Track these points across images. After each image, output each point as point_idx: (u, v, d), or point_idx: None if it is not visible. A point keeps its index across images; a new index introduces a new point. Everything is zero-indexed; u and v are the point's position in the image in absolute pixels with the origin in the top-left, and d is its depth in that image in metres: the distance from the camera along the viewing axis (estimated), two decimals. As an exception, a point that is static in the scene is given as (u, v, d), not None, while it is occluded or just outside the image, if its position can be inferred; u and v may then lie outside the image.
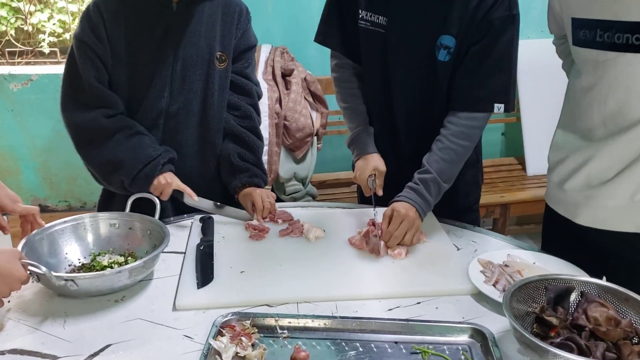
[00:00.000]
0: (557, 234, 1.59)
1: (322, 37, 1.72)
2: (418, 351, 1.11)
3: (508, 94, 1.52)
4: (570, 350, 1.00)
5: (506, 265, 1.35)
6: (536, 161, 2.96)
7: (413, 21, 1.52)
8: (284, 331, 1.15)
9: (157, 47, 1.56)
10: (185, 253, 1.45)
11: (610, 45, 1.31)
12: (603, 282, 1.16)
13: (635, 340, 1.05)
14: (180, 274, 1.35)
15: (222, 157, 1.71)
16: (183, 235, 1.54)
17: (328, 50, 2.90)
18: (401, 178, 1.55)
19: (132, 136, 1.56)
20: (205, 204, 1.61)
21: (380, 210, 1.53)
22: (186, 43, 1.58)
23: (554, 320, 1.09)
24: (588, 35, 1.35)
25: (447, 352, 1.10)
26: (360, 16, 1.59)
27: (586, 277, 1.19)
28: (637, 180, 1.37)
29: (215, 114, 1.67)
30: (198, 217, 1.60)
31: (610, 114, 1.36)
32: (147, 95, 1.58)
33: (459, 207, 1.72)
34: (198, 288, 1.29)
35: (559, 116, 1.55)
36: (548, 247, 1.61)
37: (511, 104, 1.53)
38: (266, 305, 1.24)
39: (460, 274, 1.34)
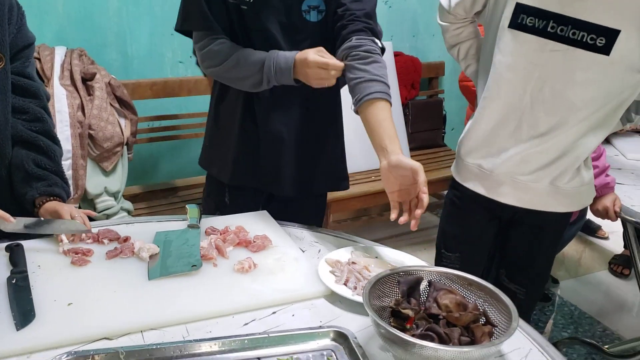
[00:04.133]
0: (467, 209, 1.76)
1: (200, 20, 1.55)
2: (284, 363, 1.05)
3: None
4: (432, 340, 1.03)
5: (353, 263, 1.36)
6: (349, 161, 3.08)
7: None
8: (132, 365, 1.02)
9: None
10: (-8, 291, 1.21)
11: (564, 39, 1.42)
12: (447, 269, 1.21)
13: (482, 320, 1.12)
14: (-9, 316, 1.13)
15: (14, 166, 1.47)
16: (-15, 269, 1.29)
17: (131, 53, 2.74)
18: None
19: None
20: (27, 222, 1.38)
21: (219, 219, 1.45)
22: None
23: (410, 312, 1.11)
24: (538, 24, 1.45)
25: (312, 359, 1.07)
26: None
27: (432, 267, 1.23)
28: (559, 169, 1.57)
29: (1, 123, 1.44)
30: (2, 245, 1.36)
31: (541, 100, 1.49)
32: None
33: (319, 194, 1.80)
34: (18, 329, 1.08)
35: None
36: (453, 223, 1.82)
37: None
38: (105, 338, 1.08)
39: (311, 277, 1.31)
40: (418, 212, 1.32)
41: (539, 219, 1.65)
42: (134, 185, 2.75)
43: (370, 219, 3.36)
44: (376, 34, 1.54)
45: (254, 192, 1.74)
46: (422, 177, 1.30)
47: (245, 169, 1.69)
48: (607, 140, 2.47)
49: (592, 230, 3.58)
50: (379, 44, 1.53)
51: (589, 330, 2.71)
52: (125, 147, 2.43)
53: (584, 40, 1.42)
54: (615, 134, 2.51)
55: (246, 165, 1.69)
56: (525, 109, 1.54)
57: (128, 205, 2.46)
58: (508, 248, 1.77)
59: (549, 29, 1.45)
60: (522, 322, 1.20)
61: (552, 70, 1.48)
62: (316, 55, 1.46)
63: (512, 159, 1.59)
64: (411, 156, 3.29)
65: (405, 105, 3.40)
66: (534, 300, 1.87)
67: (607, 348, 2.38)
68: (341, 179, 1.81)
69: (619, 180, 2.04)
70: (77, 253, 1.35)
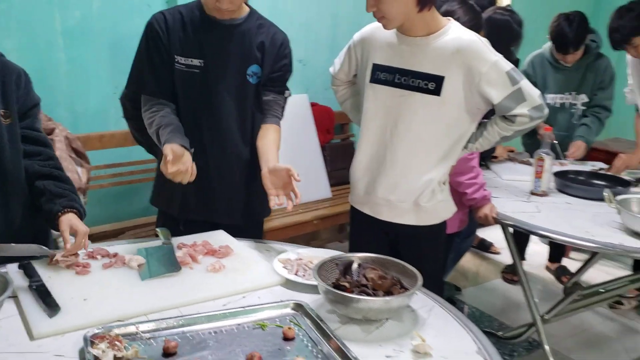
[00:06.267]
0: (363, 229, 2.14)
1: (147, 86, 1.97)
2: (258, 326, 1.43)
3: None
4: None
5: (300, 259, 1.77)
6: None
7: (226, 60, 1.94)
8: (146, 334, 1.36)
9: None
10: (17, 297, 1.50)
11: (407, 86, 1.89)
12: (371, 254, 1.65)
13: (398, 287, 1.55)
14: (23, 312, 1.42)
15: (38, 194, 1.76)
16: (4, 283, 1.58)
17: (79, 110, 3.05)
18: None
19: None
20: None
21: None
22: None
23: (347, 284, 1.53)
24: (388, 77, 1.92)
25: (279, 322, 1.45)
26: (176, 60, 1.92)
27: (360, 254, 1.66)
28: (418, 191, 1.97)
29: (11, 167, 1.74)
30: (15, 264, 1.65)
31: (397, 136, 1.94)
32: None
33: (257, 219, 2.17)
34: (50, 317, 1.39)
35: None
36: (356, 240, 2.18)
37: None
38: (118, 320, 1.40)
39: (269, 271, 1.71)
40: (298, 200, 1.84)
41: (416, 231, 2.06)
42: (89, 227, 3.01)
43: (299, 247, 3.77)
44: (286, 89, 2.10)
45: (204, 222, 2.11)
46: (295, 172, 1.81)
47: (195, 203, 2.06)
48: (485, 166, 3.04)
49: (486, 247, 4.20)
50: (287, 94, 2.10)
51: (488, 325, 3.23)
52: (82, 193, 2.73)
53: (420, 86, 1.90)
54: (491, 161, 3.10)
55: (196, 199, 2.06)
56: (388, 144, 1.99)
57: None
58: (402, 258, 2.16)
59: (396, 80, 1.94)
60: (426, 290, 1.65)
61: (402, 111, 1.94)
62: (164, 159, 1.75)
63: (384, 184, 2.03)
64: (331, 191, 3.78)
65: (323, 148, 3.89)
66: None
67: (500, 334, 2.89)
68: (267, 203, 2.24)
69: (495, 195, 2.58)
70: (78, 266, 1.67)
